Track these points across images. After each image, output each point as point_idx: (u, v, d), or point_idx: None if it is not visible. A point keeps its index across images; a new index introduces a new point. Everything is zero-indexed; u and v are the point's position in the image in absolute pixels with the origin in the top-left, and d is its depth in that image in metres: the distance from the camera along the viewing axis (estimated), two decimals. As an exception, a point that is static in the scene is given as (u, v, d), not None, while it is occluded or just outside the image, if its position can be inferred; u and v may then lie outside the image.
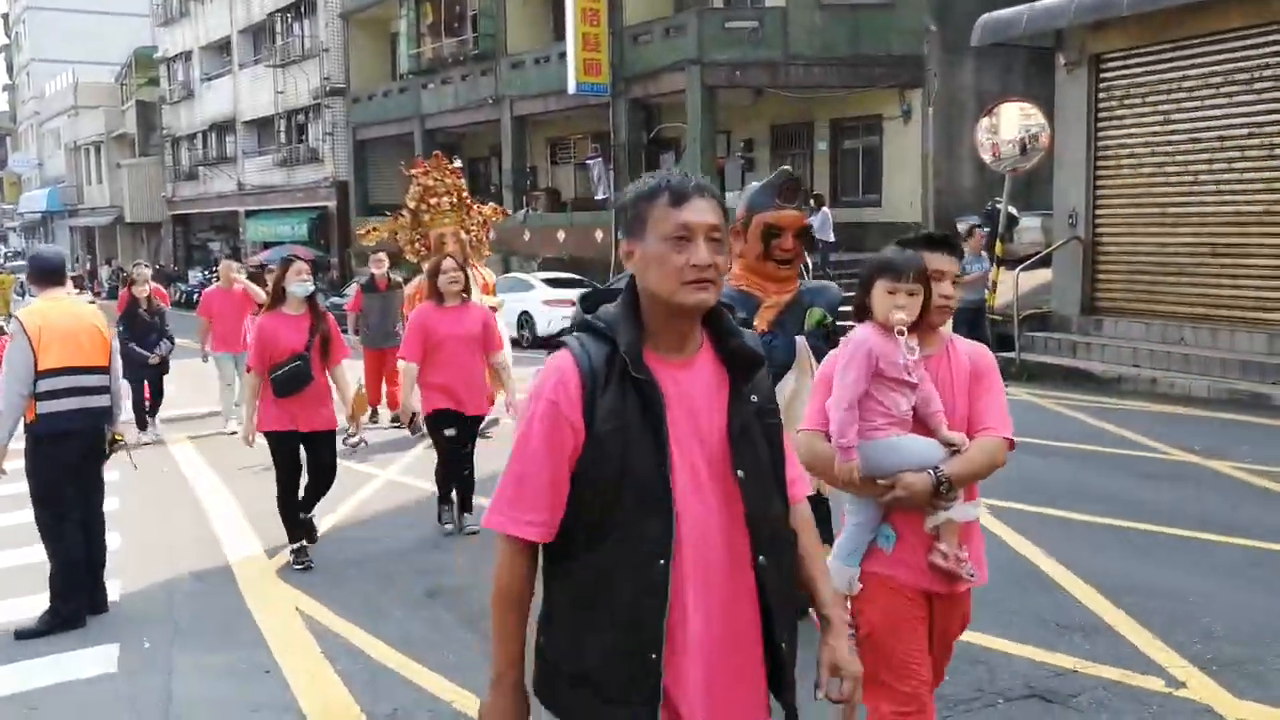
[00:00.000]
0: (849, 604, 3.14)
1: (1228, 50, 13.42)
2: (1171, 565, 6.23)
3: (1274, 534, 6.68)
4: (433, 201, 11.40)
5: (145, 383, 11.63)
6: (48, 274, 6.03)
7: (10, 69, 75.95)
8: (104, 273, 51.01)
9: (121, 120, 54.44)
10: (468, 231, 11.35)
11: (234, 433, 11.70)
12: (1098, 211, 15.29)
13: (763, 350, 4.97)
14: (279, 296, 6.85)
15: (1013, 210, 17.00)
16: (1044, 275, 16.24)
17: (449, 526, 7.44)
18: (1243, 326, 13.26)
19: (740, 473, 2.19)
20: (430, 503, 8.33)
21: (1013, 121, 15.82)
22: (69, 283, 6.32)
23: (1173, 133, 14.20)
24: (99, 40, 59.25)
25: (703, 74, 23.80)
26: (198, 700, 4.92)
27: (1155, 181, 14.51)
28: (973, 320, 13.24)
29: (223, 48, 45.07)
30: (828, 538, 4.58)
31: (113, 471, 6.79)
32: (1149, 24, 14.04)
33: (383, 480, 9.23)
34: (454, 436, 7.22)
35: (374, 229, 12.09)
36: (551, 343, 20.85)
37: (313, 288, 6.94)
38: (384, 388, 11.97)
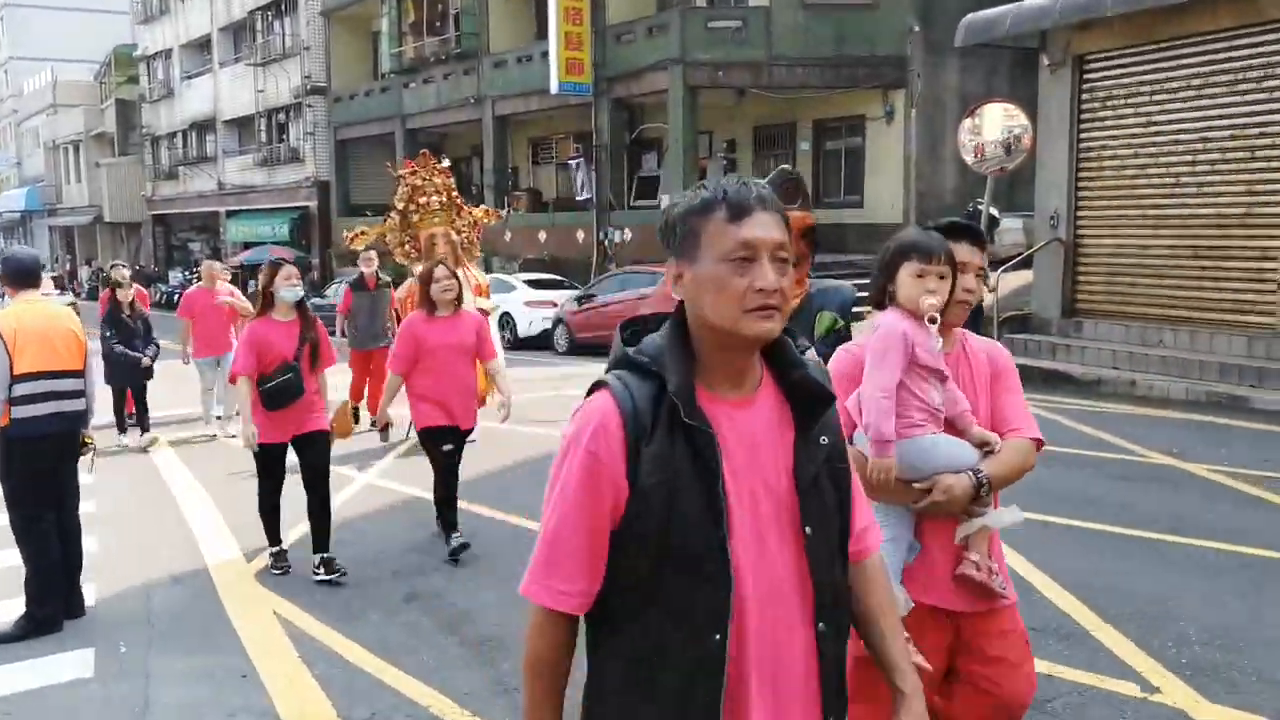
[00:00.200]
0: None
1: (1211, 52, 13.48)
2: (1147, 568, 6.24)
3: (1250, 537, 6.71)
4: (421, 201, 11.20)
5: (129, 389, 11.30)
6: (22, 276, 5.97)
7: (-11, 66, 75.45)
8: (84, 273, 50.76)
9: (101, 119, 54.10)
10: (459, 233, 11.13)
11: (214, 436, 11.67)
12: (1079, 213, 15.34)
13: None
14: (268, 301, 6.64)
15: (994, 212, 17.05)
16: (1025, 277, 16.29)
17: (465, 545, 6.85)
18: (1222, 329, 13.32)
19: (808, 529, 1.92)
20: (408, 507, 8.33)
21: (995, 122, 15.86)
22: (48, 284, 6.28)
23: (1155, 134, 14.26)
24: (78, 38, 58.84)
25: (685, 74, 23.79)
26: (174, 705, 4.87)
27: (1137, 183, 14.56)
28: (971, 318, 13.30)
29: (203, 46, 44.84)
30: None
31: (89, 474, 6.74)
32: (1133, 25, 14.09)
33: (361, 484, 9.19)
34: (450, 450, 6.93)
35: (362, 232, 11.88)
36: (531, 343, 20.91)
37: (303, 293, 6.75)
38: (367, 389, 11.75)
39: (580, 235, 27.06)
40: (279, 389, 6.41)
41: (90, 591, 6.30)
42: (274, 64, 39.05)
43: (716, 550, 1.84)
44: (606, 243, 26.19)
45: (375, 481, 9.29)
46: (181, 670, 5.25)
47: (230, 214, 42.96)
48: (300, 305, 6.69)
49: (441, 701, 4.74)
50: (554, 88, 25.80)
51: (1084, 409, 11.72)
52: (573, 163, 28.71)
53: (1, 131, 70.73)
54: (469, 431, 7.19)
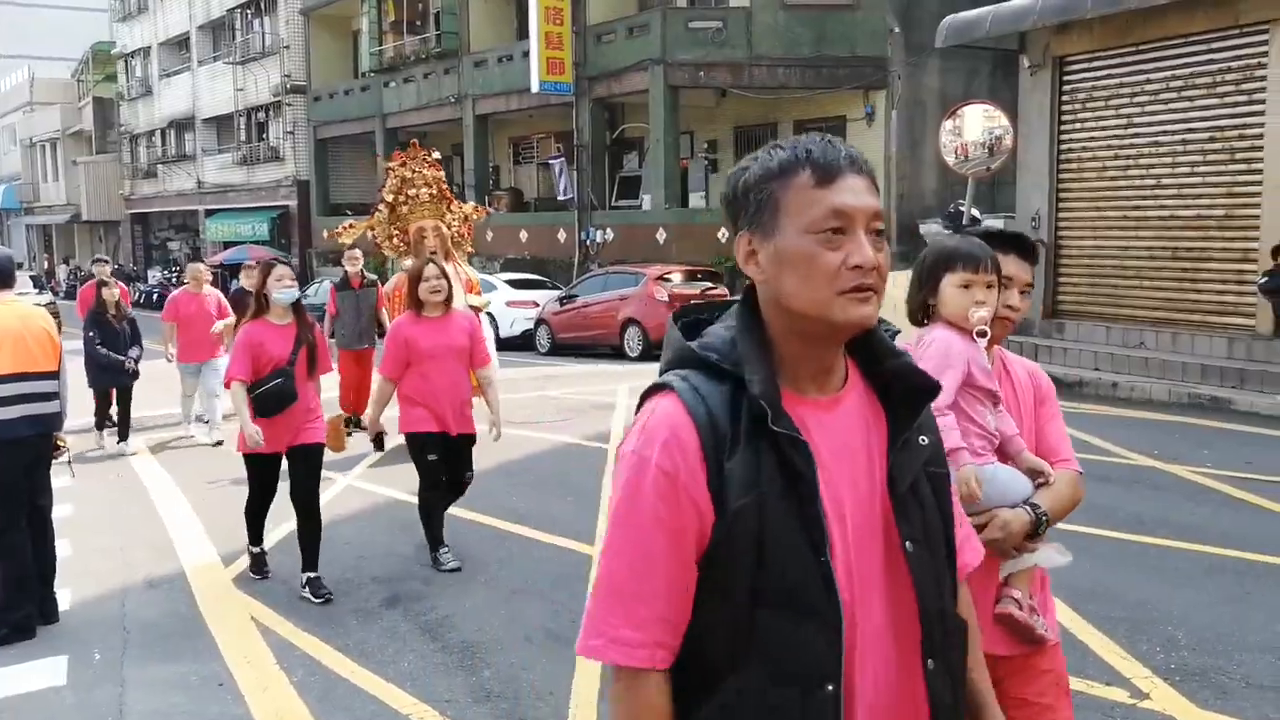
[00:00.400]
0: None
1: (1190, 54, 13.52)
2: (1133, 571, 6.23)
3: (1234, 540, 6.70)
4: (411, 194, 10.93)
5: (114, 391, 10.93)
6: (-4, 276, 5.88)
7: (-36, 64, 74.81)
8: (61, 272, 50.37)
9: (78, 117, 53.72)
10: (449, 227, 10.88)
11: (192, 436, 11.50)
12: (1060, 214, 15.37)
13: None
14: (261, 304, 6.29)
15: (975, 213, 17.05)
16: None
17: (452, 564, 6.60)
18: (1203, 330, 13.36)
19: (909, 545, 1.63)
20: (390, 509, 8.24)
21: (976, 124, 15.87)
22: (25, 282, 6.18)
23: (1135, 136, 14.30)
24: (55, 35, 58.39)
25: (666, 74, 23.76)
26: (149, 713, 4.79)
27: (1118, 185, 14.60)
28: None
29: (181, 44, 44.60)
30: None
31: (64, 478, 6.65)
32: (1112, 27, 14.13)
33: (341, 486, 9.09)
34: (436, 461, 6.61)
35: (350, 226, 11.57)
36: (512, 344, 20.82)
37: (298, 294, 6.34)
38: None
39: (561, 235, 27.00)
40: (272, 394, 6.09)
41: (64, 597, 6.20)
42: (253, 62, 38.86)
43: (820, 581, 1.55)
44: (588, 243, 26.13)
45: (356, 483, 9.20)
46: (157, 677, 5.17)
47: (209, 213, 42.71)
48: (296, 307, 6.33)
49: (421, 708, 4.67)
50: (535, 87, 25.73)
51: (1066, 411, 11.59)
52: (554, 162, 28.63)
53: (-23, 129, 70.16)
54: (463, 439, 6.75)
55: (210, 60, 42.43)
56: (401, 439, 9.38)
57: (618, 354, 19.68)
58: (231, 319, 11.02)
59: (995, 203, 19.79)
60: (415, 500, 7.43)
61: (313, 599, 6.13)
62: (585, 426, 11.45)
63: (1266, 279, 11.46)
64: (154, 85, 46.39)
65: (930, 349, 2.59)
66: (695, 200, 25.47)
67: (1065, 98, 15.20)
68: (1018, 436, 2.66)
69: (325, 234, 34.37)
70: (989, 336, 2.57)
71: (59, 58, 56.74)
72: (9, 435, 5.62)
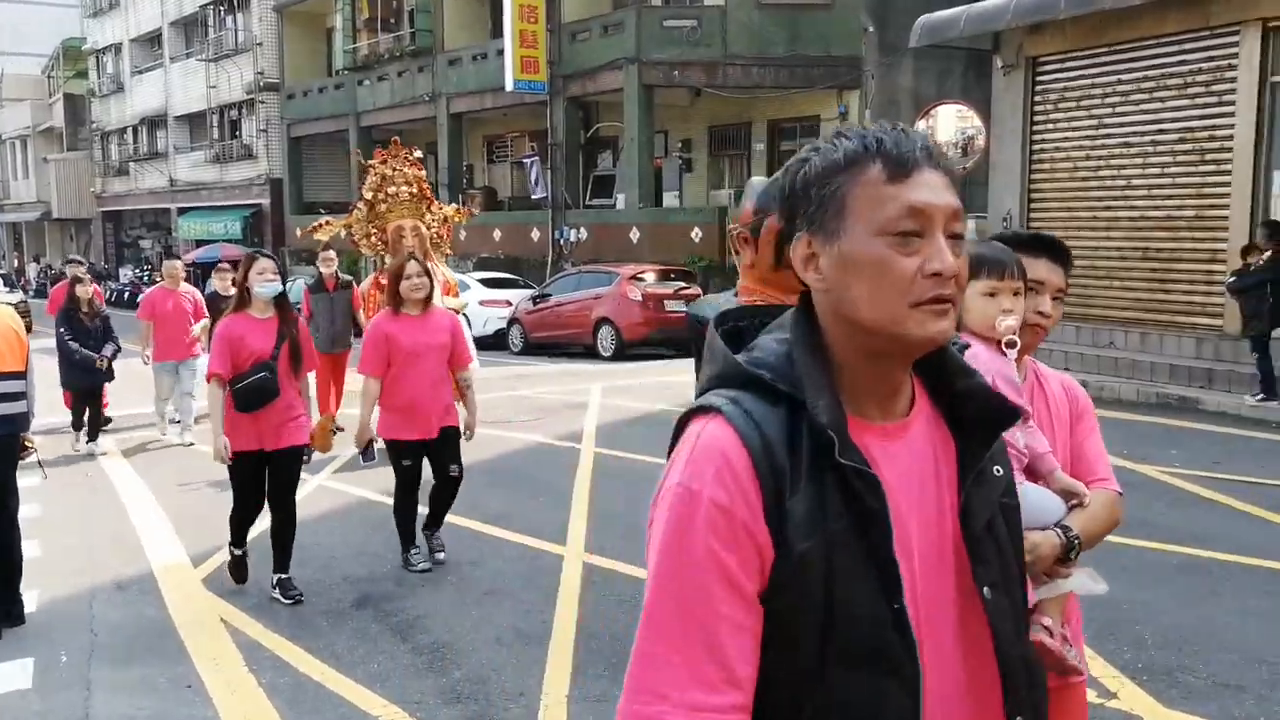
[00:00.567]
0: None
1: (1161, 56, 13.63)
2: (1101, 571, 6.23)
3: (1202, 539, 6.76)
4: (390, 192, 10.73)
5: (87, 390, 10.72)
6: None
7: (-68, 59, 73.99)
8: (31, 270, 49.91)
9: (49, 113, 53.26)
10: (428, 227, 10.67)
11: (159, 438, 11.27)
12: (1032, 214, 15.46)
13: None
14: (243, 298, 6.12)
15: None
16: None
17: (423, 565, 6.58)
18: (1172, 330, 13.47)
19: (987, 591, 1.45)
20: (361, 509, 8.21)
21: (949, 124, 15.97)
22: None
23: (1107, 136, 14.40)
24: (25, 31, 57.79)
25: (641, 73, 23.77)
26: (116, 717, 4.75)
27: (1089, 185, 14.70)
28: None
29: (153, 40, 44.30)
30: None
31: (34, 478, 6.59)
32: (1085, 28, 14.22)
33: (313, 485, 9.04)
34: (412, 466, 6.53)
35: (327, 222, 11.33)
36: (485, 343, 20.76)
37: (280, 288, 6.16)
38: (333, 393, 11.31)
39: (535, 234, 26.96)
40: (252, 388, 5.91)
41: (31, 598, 6.12)
42: (226, 59, 38.65)
43: (895, 633, 1.37)
44: (561, 241, 26.10)
45: (327, 483, 9.15)
46: (124, 680, 5.12)
47: (182, 211, 42.46)
48: (280, 302, 6.15)
49: (391, 710, 4.65)
50: (509, 86, 25.68)
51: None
52: (528, 161, 28.61)
53: (-55, 126, 69.38)
54: (455, 433, 6.60)
55: (183, 57, 42.18)
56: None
57: (591, 353, 19.66)
58: (207, 321, 10.95)
59: (969, 203, 19.87)
60: (387, 500, 7.41)
61: (282, 600, 6.08)
62: (558, 426, 11.43)
63: (1235, 279, 11.55)
64: (126, 82, 46.07)
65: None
66: (669, 199, 25.49)
67: (1038, 98, 15.29)
68: (1049, 454, 2.46)
69: (298, 232, 34.30)
70: (1018, 346, 2.40)
71: (29, 53, 56.19)
72: (-26, 435, 5.56)
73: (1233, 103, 12.85)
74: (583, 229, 25.72)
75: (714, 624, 1.33)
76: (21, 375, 5.80)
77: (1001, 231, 2.61)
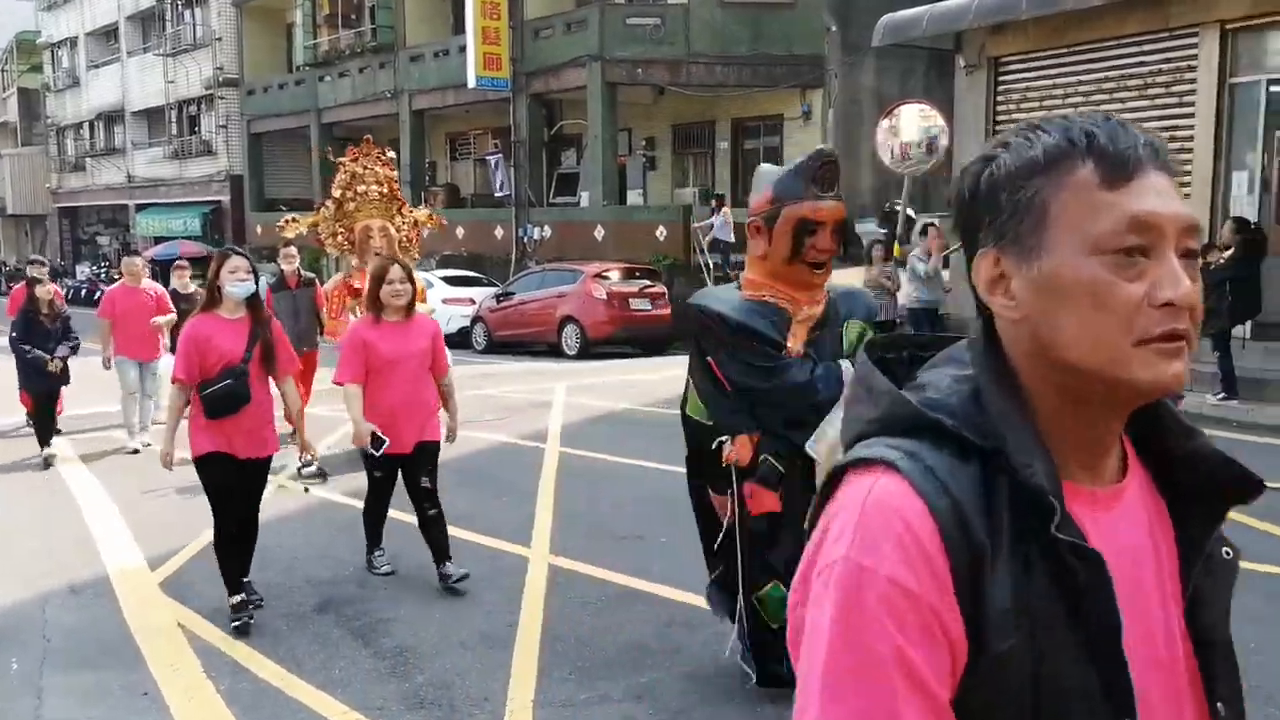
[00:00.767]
0: None
1: (1122, 56, 13.74)
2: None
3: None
4: (360, 190, 10.40)
5: (45, 395, 10.37)
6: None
7: (-117, 52, 72.78)
8: (-16, 266, 49.21)
9: (2, 108, 52.54)
10: (397, 230, 10.38)
11: (136, 450, 10.59)
12: (993, 214, 15.53)
13: (809, 385, 4.08)
14: (213, 297, 5.77)
15: (911, 212, 17.19)
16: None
17: (386, 568, 6.47)
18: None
19: (1220, 705, 1.17)
20: (323, 510, 8.10)
21: (912, 123, 15.97)
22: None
23: (1067, 137, 14.48)
24: (-22, 24, 57.06)
25: (604, 70, 23.73)
26: (69, 726, 4.65)
27: (1049, 185, 14.77)
28: (931, 320, 13.50)
29: (110, 34, 43.76)
30: None
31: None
32: (1047, 28, 14.30)
33: (272, 486, 8.89)
34: (385, 479, 6.32)
35: (294, 219, 10.94)
36: (448, 341, 20.59)
37: (254, 288, 5.78)
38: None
39: (499, 232, 26.84)
40: (221, 394, 5.56)
41: (-18, 604, 6.01)
42: (184, 54, 38.24)
43: None
44: (525, 239, 26.00)
45: (286, 483, 9.04)
46: (77, 687, 5.00)
47: (140, 208, 41.95)
48: (252, 301, 5.78)
49: (352, 717, 4.57)
50: (472, 83, 25.57)
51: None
52: (491, 159, 28.49)
53: (-104, 120, 68.25)
54: (435, 446, 6.35)
55: (140, 51, 41.69)
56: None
57: (555, 352, 19.60)
58: (173, 316, 10.69)
59: (929, 202, 19.97)
60: (350, 502, 7.34)
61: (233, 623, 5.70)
62: (522, 425, 11.36)
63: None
64: (81, 76, 45.47)
65: None
66: (633, 198, 25.46)
67: (1000, 98, 15.37)
68: None
69: (259, 229, 34.03)
70: None
71: (-18, 47, 55.44)
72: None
73: (1192, 104, 12.97)
74: (546, 227, 25.64)
75: None
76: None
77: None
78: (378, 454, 6.02)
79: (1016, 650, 1.06)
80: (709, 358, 4.29)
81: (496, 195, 27.78)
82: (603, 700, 4.66)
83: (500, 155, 27.83)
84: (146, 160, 41.44)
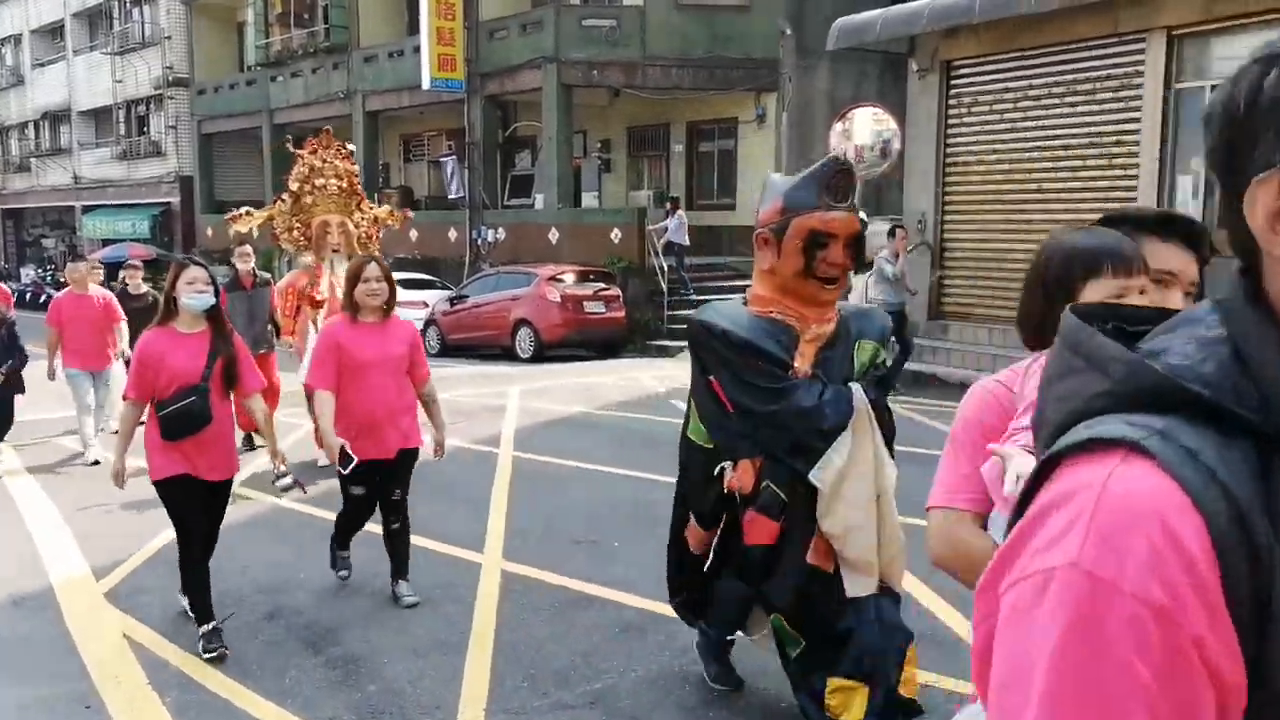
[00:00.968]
0: None
1: (1072, 61, 13.87)
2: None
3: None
4: (318, 184, 10.03)
5: None
6: None
7: None
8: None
9: (-54, 107, 51.55)
10: (356, 226, 10.05)
11: (96, 462, 10.12)
12: (945, 217, 15.65)
13: (817, 409, 3.82)
14: (169, 310, 5.38)
15: (863, 215, 17.27)
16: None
17: (344, 574, 6.33)
18: (1082, 331, 13.71)
19: None
20: (274, 516, 8.01)
21: (865, 127, 16.10)
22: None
23: (1019, 141, 14.62)
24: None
25: (559, 72, 23.66)
26: (10, 740, 4.56)
27: (1001, 188, 14.91)
28: (899, 324, 13.53)
29: (55, 32, 43.05)
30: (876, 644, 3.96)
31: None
32: (998, 33, 14.42)
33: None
34: (362, 496, 6.04)
35: (248, 212, 10.57)
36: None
37: (213, 300, 5.39)
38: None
39: (452, 234, 26.69)
40: (179, 415, 5.21)
41: (-79, 615, 5.87)
42: (132, 53, 37.69)
43: None
44: (479, 242, 25.88)
45: (238, 489, 8.89)
46: (17, 700, 4.89)
47: (87, 209, 41.26)
48: (212, 314, 5.41)
49: (302, 727, 4.52)
50: (426, 84, 25.40)
51: (949, 410, 11.86)
52: (445, 160, 28.34)
53: None
54: (412, 455, 6.07)
55: (86, 50, 41.04)
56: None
57: (509, 355, 19.52)
58: (124, 329, 10.28)
59: (881, 205, 20.10)
60: (300, 508, 7.26)
61: (191, 613, 5.63)
62: (476, 430, 11.29)
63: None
64: (26, 74, 44.67)
65: (1030, 380, 1.92)
66: (588, 200, 25.43)
67: (952, 101, 15.48)
68: None
69: (210, 232, 33.64)
70: None
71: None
72: None
73: (1139, 108, 13.13)
74: (501, 229, 25.54)
75: None
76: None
77: (1121, 210, 2.14)
78: (346, 471, 5.74)
79: None
80: (711, 377, 4.03)
81: (450, 197, 27.62)
82: (556, 707, 4.63)
83: (454, 157, 27.68)
84: (94, 161, 40.82)
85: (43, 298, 20.09)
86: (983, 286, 15.20)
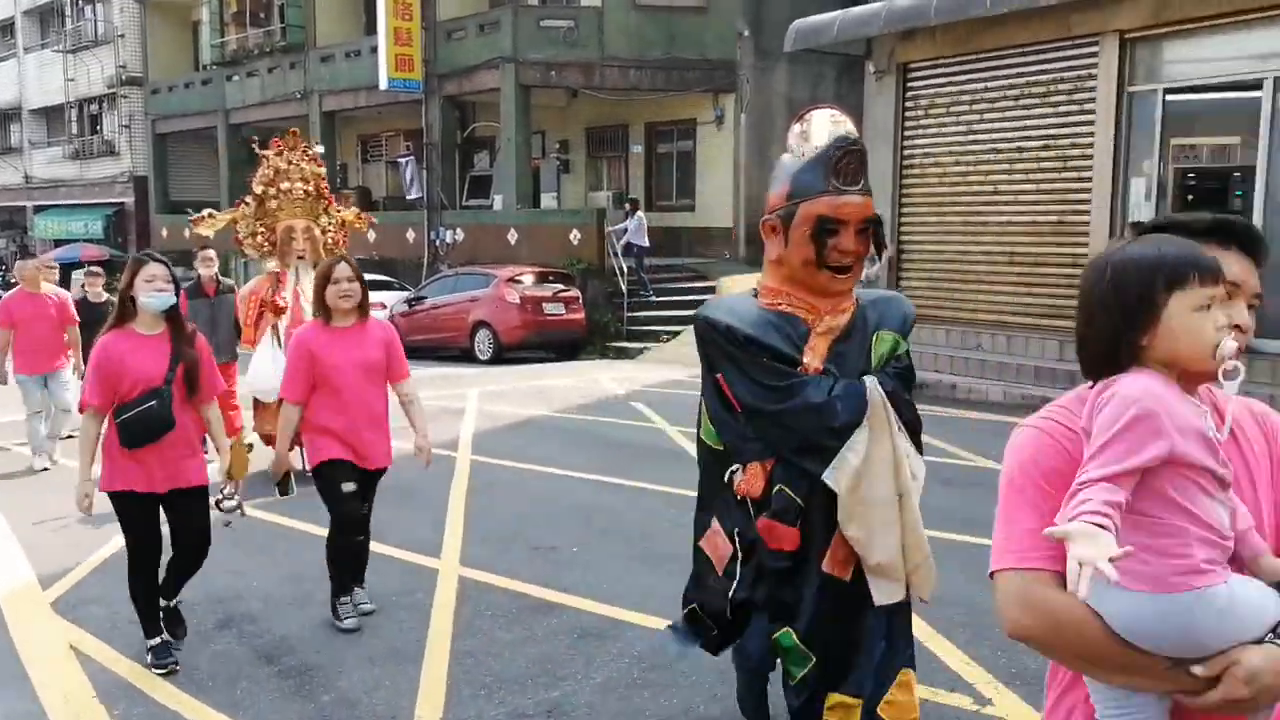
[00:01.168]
0: None
1: (1027, 64, 13.98)
2: (972, 575, 6.32)
3: (1069, 539, 6.87)
4: (283, 187, 9.66)
5: None
6: None
7: None
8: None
9: (-108, 105, 50.66)
10: (323, 231, 9.72)
11: (45, 468, 10.07)
12: (903, 219, 15.73)
13: (828, 406, 3.51)
14: (125, 310, 5.07)
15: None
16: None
17: (350, 623, 5.67)
18: (1036, 333, 13.82)
19: None
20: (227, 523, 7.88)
21: (823, 128, 16.05)
22: None
23: (975, 143, 14.72)
24: None
25: (518, 72, 23.59)
26: (-47, 756, 4.46)
27: (958, 190, 15.00)
28: None
29: (5, 29, 42.48)
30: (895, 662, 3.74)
31: None
32: (955, 35, 14.51)
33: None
34: (353, 493, 5.65)
35: (210, 215, 10.13)
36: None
37: (174, 299, 5.06)
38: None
39: (410, 235, 26.54)
40: (140, 419, 4.92)
41: None
42: (85, 51, 37.25)
43: None
44: (438, 243, 25.75)
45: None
46: (-37, 715, 4.80)
47: (38, 209, 40.72)
48: (172, 315, 5.09)
49: (254, 740, 4.45)
50: (383, 84, 25.27)
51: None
52: (403, 161, 28.17)
53: None
54: (380, 472, 5.86)
55: (38, 48, 40.52)
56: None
57: (468, 357, 19.43)
58: (76, 333, 10.05)
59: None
60: (252, 513, 7.15)
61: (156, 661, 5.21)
62: (435, 433, 11.10)
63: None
64: (-25, 73, 44.07)
65: (1116, 400, 1.69)
66: (547, 201, 25.37)
67: (909, 104, 15.56)
68: (1253, 530, 1.75)
69: (164, 232, 33.26)
70: (1241, 376, 1.71)
71: None
72: None
73: (1093, 111, 13.24)
74: (459, 230, 25.41)
75: None
76: None
77: (1166, 217, 1.96)
78: (281, 497, 5.63)
79: None
80: (717, 374, 3.77)
81: (408, 198, 27.47)
82: (512, 715, 4.59)
83: (412, 157, 27.53)
84: (45, 160, 40.28)
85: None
86: (941, 288, 15.28)
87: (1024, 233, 14.18)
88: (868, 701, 3.66)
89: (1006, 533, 1.82)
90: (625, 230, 21.49)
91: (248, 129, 31.59)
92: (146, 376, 4.93)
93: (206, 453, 5.43)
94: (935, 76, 15.20)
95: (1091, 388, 1.80)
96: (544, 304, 19.37)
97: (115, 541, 6.62)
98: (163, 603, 5.29)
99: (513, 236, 23.64)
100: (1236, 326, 1.78)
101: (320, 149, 10.52)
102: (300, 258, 9.32)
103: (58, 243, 37.55)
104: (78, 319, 10.23)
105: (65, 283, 12.46)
